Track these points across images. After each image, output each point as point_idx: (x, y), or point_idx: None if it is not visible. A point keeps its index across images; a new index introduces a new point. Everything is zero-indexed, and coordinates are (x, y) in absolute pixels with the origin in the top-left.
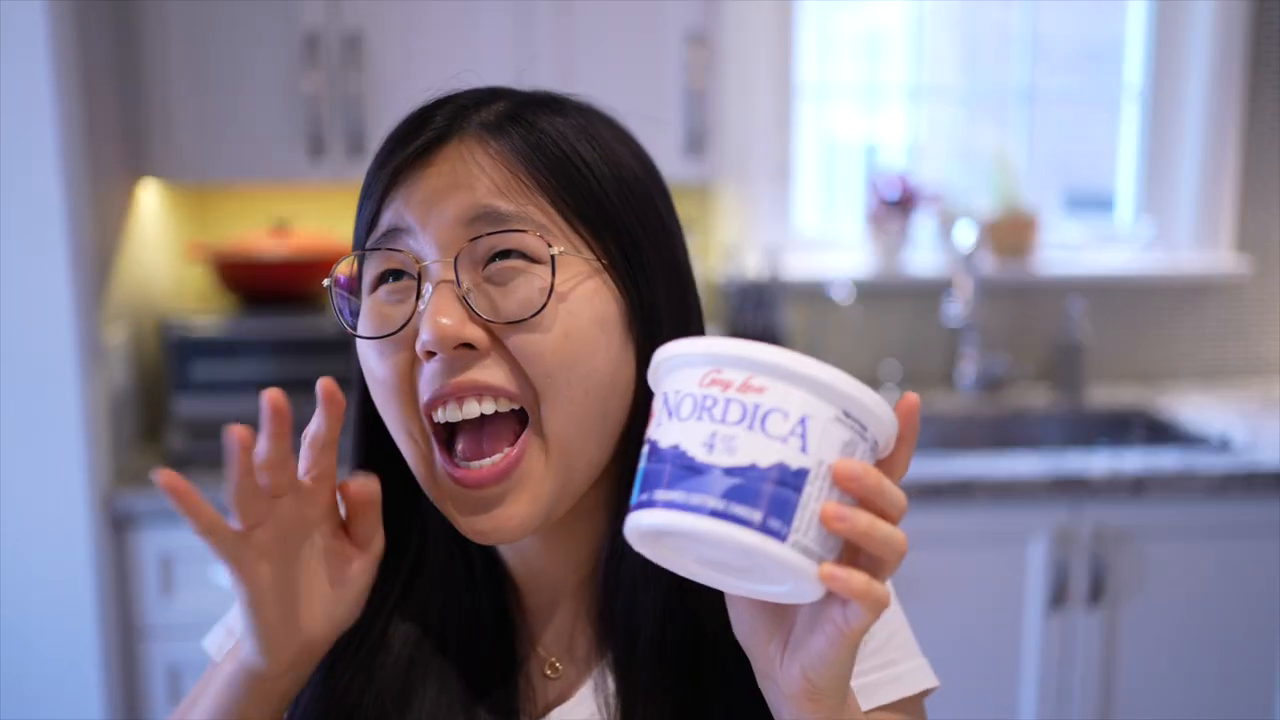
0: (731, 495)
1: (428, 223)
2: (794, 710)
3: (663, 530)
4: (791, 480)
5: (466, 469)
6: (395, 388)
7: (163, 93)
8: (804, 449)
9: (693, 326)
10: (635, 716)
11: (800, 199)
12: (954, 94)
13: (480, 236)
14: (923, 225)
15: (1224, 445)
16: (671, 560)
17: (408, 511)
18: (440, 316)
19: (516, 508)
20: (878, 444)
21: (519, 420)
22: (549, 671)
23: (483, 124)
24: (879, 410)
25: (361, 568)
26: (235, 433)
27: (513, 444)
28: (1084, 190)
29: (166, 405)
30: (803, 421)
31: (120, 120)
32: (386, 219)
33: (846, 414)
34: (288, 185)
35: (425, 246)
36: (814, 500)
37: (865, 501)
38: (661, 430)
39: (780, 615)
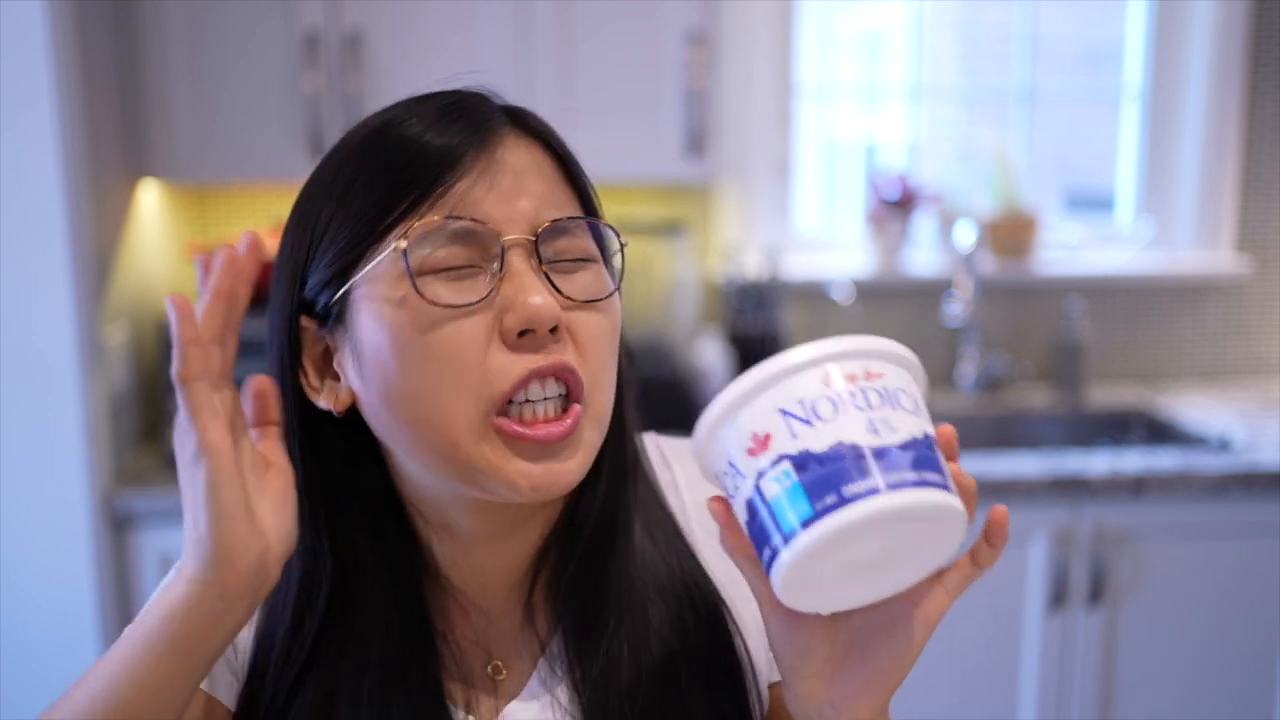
0: (918, 465)
1: (503, 219)
2: None
3: (883, 515)
4: (934, 445)
5: (534, 426)
6: (468, 362)
7: (163, 93)
8: (926, 418)
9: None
10: (594, 706)
11: (800, 199)
12: (954, 94)
13: (560, 220)
14: (923, 225)
15: (1224, 445)
16: (804, 592)
17: (336, 522)
18: (535, 296)
19: (572, 463)
20: None
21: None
22: (492, 672)
23: (515, 116)
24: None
25: (288, 482)
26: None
27: (554, 395)
28: (1084, 190)
29: (166, 405)
30: (915, 396)
31: (120, 120)
32: (457, 204)
33: (920, 386)
34: (288, 185)
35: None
36: (944, 464)
37: (961, 475)
38: (804, 439)
39: (833, 629)
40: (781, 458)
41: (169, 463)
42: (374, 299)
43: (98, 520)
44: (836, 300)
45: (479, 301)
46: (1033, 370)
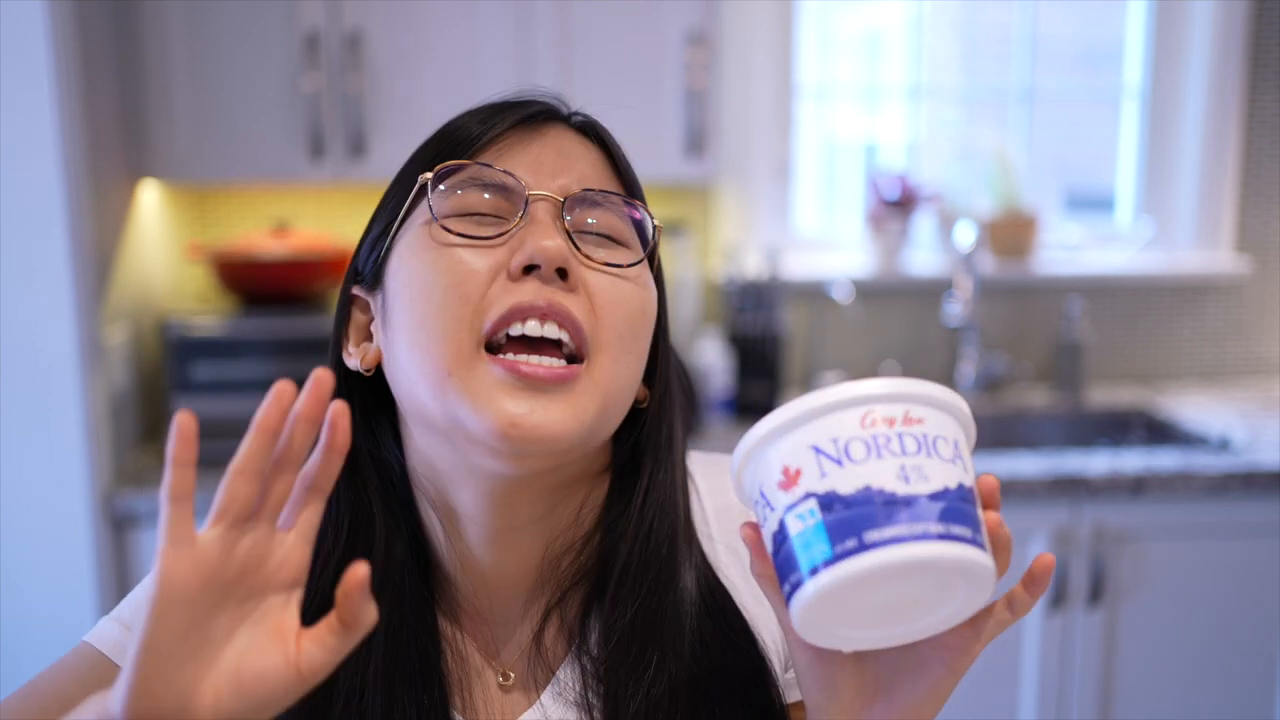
0: (945, 517)
1: (534, 181)
2: None
3: (898, 566)
4: (969, 497)
5: (527, 362)
6: (468, 291)
7: (163, 93)
8: (965, 468)
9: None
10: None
11: (800, 199)
12: (954, 94)
13: (592, 190)
14: (923, 225)
15: (1224, 445)
16: (824, 629)
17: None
18: (547, 239)
19: (562, 414)
20: None
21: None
22: (502, 680)
23: (572, 121)
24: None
25: (285, 679)
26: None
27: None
28: (1084, 190)
29: (166, 405)
30: (955, 444)
31: (120, 120)
32: (492, 161)
33: (967, 434)
34: (288, 185)
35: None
36: (981, 518)
37: (1000, 526)
38: (832, 480)
39: (860, 665)
40: (809, 495)
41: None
42: (404, 241)
43: (98, 520)
44: (836, 300)
45: (493, 238)
46: (1033, 370)
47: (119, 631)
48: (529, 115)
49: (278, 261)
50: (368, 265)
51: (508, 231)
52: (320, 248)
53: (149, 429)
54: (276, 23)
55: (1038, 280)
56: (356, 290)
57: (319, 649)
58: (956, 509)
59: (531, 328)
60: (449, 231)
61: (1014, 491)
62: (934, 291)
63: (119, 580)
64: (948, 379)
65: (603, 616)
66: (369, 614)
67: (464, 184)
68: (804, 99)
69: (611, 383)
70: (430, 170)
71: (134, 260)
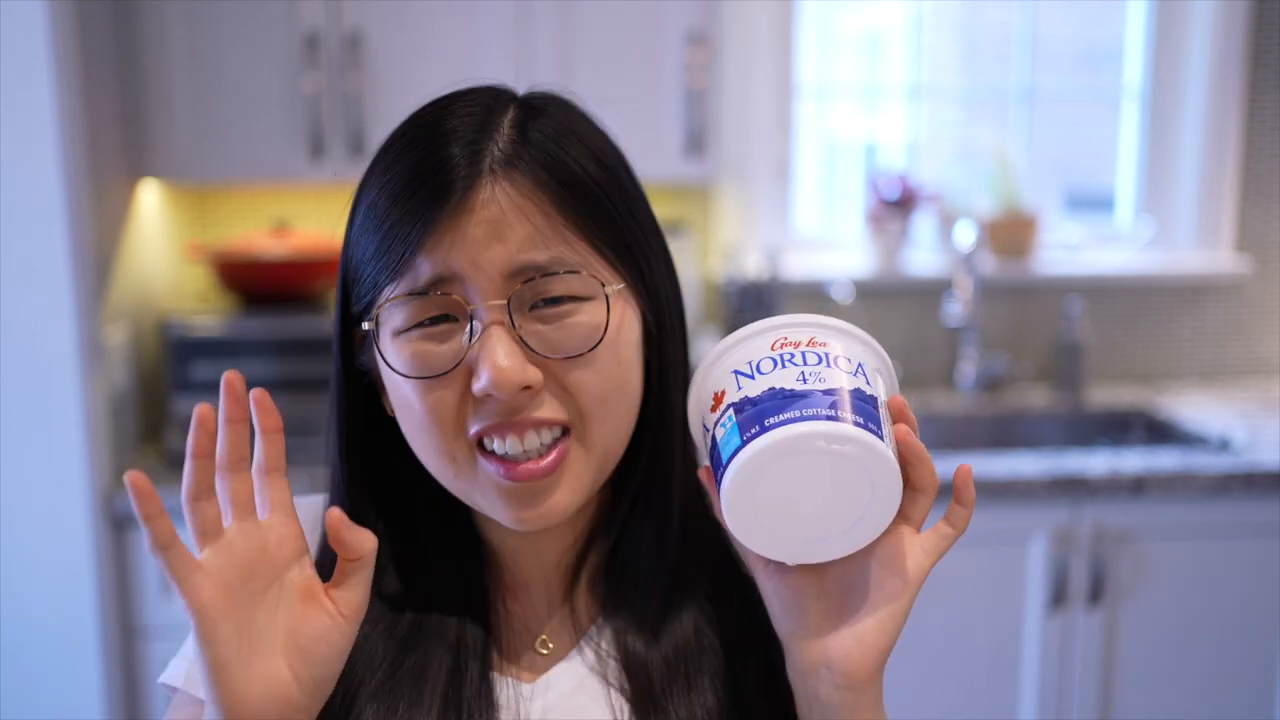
0: (834, 406)
1: (475, 274)
2: (848, 694)
3: (791, 440)
4: (870, 401)
5: (516, 464)
6: (440, 421)
7: (163, 93)
8: (867, 383)
9: (679, 302)
10: (639, 682)
11: (800, 199)
12: (954, 94)
13: (533, 279)
14: (923, 225)
15: (1224, 445)
16: (757, 528)
17: (394, 502)
18: (501, 360)
19: (560, 497)
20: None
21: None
22: (540, 648)
23: (503, 160)
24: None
25: (336, 629)
26: (200, 412)
27: (549, 440)
28: (1084, 190)
29: (166, 405)
30: (860, 365)
31: (120, 120)
32: (427, 267)
33: (881, 366)
34: (288, 185)
35: (472, 293)
36: (886, 424)
37: (907, 434)
38: (745, 390)
39: (821, 588)
40: (728, 406)
41: (169, 463)
42: (381, 340)
43: (98, 520)
44: (836, 300)
45: (448, 372)
46: (1033, 370)
47: (186, 666)
48: (450, 198)
49: (278, 261)
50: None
51: (459, 360)
52: (320, 248)
53: (149, 429)
54: (276, 23)
55: (1038, 280)
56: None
57: (347, 591)
58: (851, 404)
59: (512, 445)
60: (406, 376)
61: (1014, 491)
62: (934, 291)
63: (119, 580)
64: (948, 379)
65: (623, 584)
66: (364, 539)
67: (410, 304)
68: (804, 99)
69: (602, 440)
70: (381, 272)
71: (134, 260)
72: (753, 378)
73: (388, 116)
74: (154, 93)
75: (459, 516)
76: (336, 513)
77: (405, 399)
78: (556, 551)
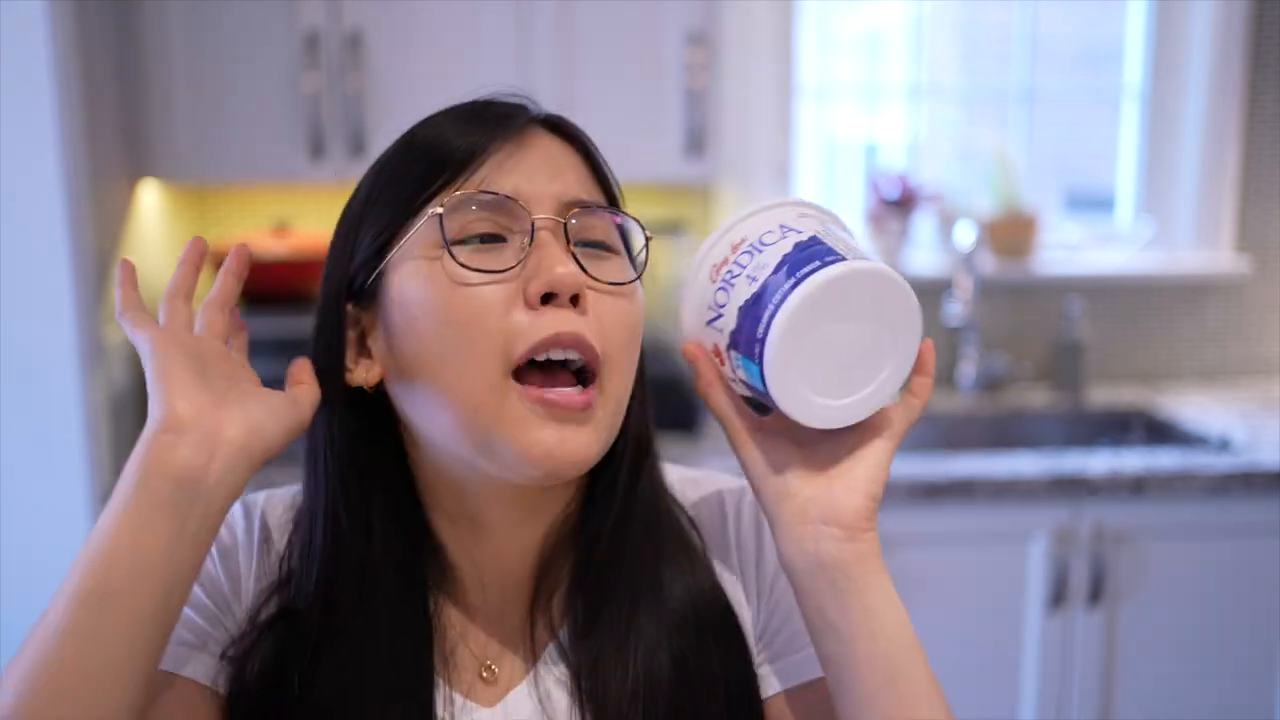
0: (859, 254)
1: (535, 197)
2: (849, 546)
3: (859, 272)
4: (813, 242)
5: (550, 390)
6: (486, 334)
7: (163, 93)
8: (800, 232)
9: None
10: (596, 709)
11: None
12: (954, 94)
13: (589, 209)
14: (923, 225)
15: (1224, 445)
16: (795, 383)
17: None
18: (559, 265)
19: (590, 437)
20: None
21: (574, 374)
22: (484, 674)
23: (544, 118)
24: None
25: (291, 409)
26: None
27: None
28: (1084, 190)
29: None
30: (780, 227)
31: (120, 120)
32: (486, 181)
33: (794, 212)
34: (288, 185)
35: (533, 209)
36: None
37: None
38: (770, 251)
39: (801, 447)
40: (748, 274)
41: None
42: (407, 268)
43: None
44: None
45: (507, 270)
46: (1033, 370)
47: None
48: (510, 123)
49: (278, 261)
50: (359, 280)
51: (520, 261)
52: (320, 248)
53: None
54: (276, 23)
55: (1038, 280)
56: (350, 307)
57: (302, 387)
58: (813, 251)
59: (555, 354)
60: (467, 268)
61: (1014, 491)
62: (934, 291)
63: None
64: (948, 379)
65: (583, 605)
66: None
67: (467, 211)
68: (804, 99)
69: (620, 395)
70: (423, 193)
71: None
72: (776, 242)
73: (388, 116)
74: (154, 93)
75: (412, 523)
76: (305, 364)
77: (440, 314)
78: (521, 553)
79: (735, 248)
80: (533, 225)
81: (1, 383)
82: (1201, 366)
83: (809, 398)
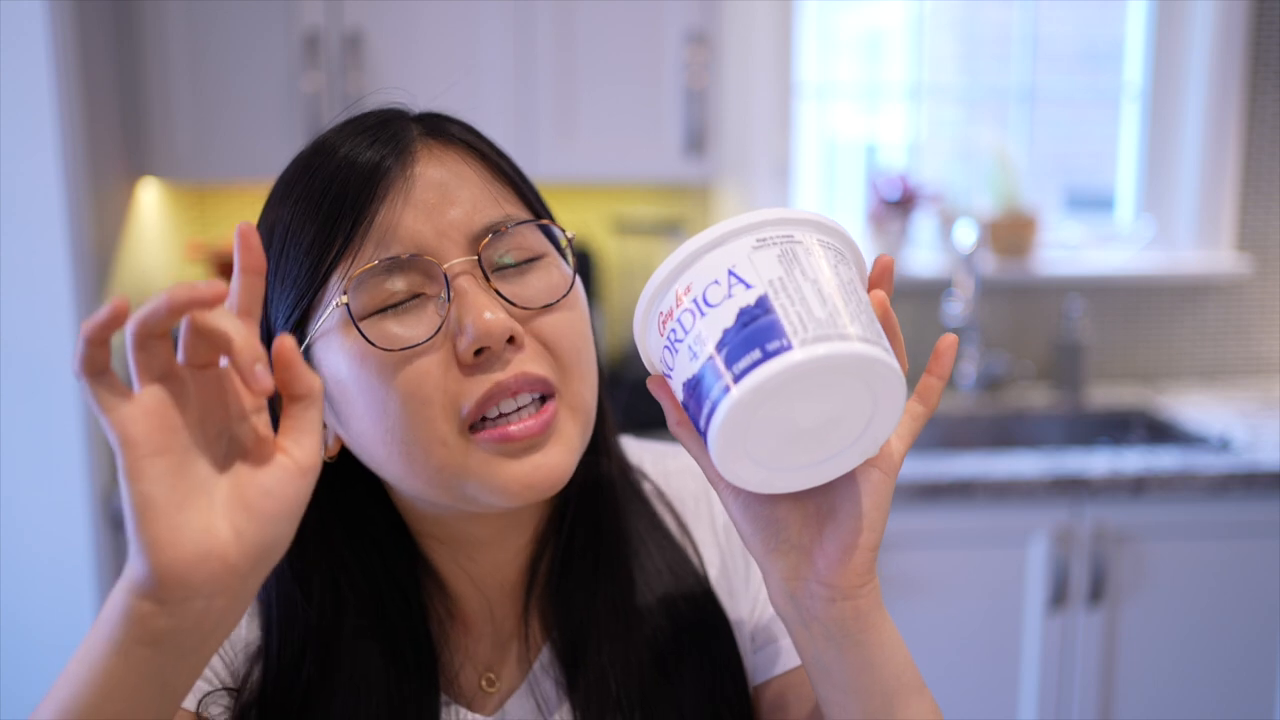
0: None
1: (440, 241)
2: (846, 604)
3: (797, 368)
4: (764, 304)
5: (510, 426)
6: (425, 402)
7: (163, 93)
8: (745, 291)
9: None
10: (587, 712)
11: (800, 199)
12: (954, 94)
13: (499, 232)
14: (923, 225)
15: (1224, 445)
16: (755, 460)
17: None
18: (485, 312)
19: (558, 455)
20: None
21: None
22: (485, 685)
23: (426, 135)
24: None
25: (288, 481)
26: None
27: (534, 407)
28: (1084, 190)
29: None
30: (729, 271)
31: (120, 120)
32: (390, 240)
33: (751, 239)
34: None
35: (442, 259)
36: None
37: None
38: (713, 317)
39: (796, 500)
40: (696, 330)
41: None
42: (332, 343)
43: (98, 520)
44: None
45: (430, 338)
46: (1033, 370)
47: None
48: (395, 145)
49: None
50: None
51: (443, 319)
52: None
53: None
54: (276, 23)
55: (1038, 280)
56: None
57: (298, 439)
58: (756, 330)
59: (506, 405)
60: (387, 350)
61: (1014, 491)
62: (934, 291)
63: (119, 580)
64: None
65: (568, 604)
66: (312, 378)
67: (375, 285)
68: (804, 98)
69: (583, 399)
70: (326, 258)
71: (134, 260)
72: (713, 306)
73: None
74: (154, 93)
75: (397, 547)
76: (289, 341)
77: (376, 392)
78: (507, 564)
79: (679, 298)
80: (445, 278)
81: (1, 382)
82: (1201, 366)
83: (769, 479)
